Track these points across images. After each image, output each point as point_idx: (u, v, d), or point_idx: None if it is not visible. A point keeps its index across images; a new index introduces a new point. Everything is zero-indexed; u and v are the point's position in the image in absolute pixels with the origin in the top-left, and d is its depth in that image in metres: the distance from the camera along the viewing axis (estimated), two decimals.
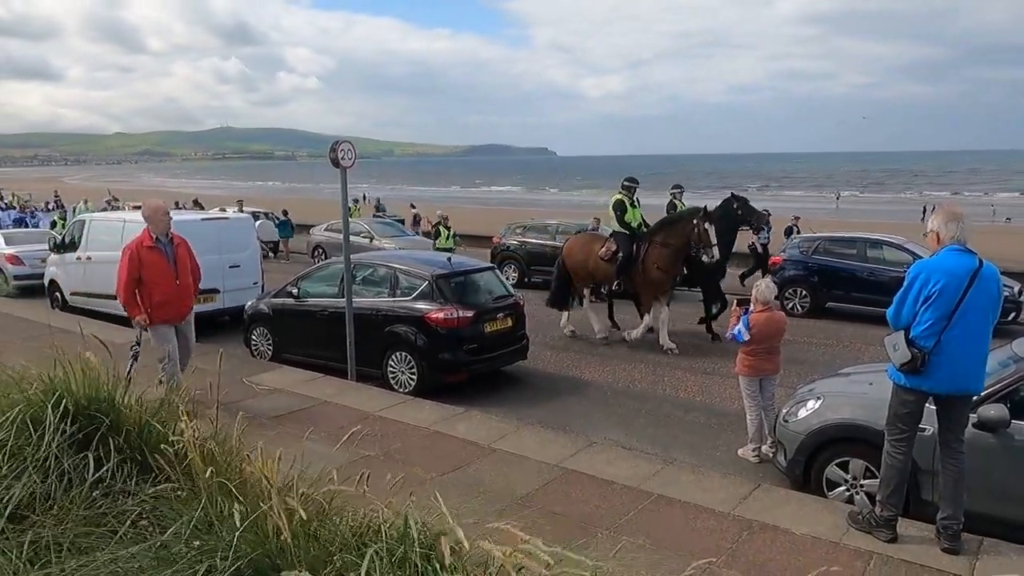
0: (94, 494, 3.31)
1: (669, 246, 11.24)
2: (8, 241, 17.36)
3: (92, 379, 3.94)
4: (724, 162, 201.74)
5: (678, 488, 5.28)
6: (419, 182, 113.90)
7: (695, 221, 11.08)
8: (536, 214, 29.19)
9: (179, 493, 3.22)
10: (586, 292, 12.29)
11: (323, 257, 19.71)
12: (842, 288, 14.07)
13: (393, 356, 9.00)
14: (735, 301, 7.47)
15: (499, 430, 6.61)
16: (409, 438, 6.41)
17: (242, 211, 22.14)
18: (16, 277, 16.33)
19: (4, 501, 3.12)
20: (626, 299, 12.33)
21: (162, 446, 3.48)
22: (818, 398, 6.13)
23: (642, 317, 11.78)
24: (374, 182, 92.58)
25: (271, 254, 22.13)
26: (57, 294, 13.75)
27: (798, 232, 17.13)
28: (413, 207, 29.68)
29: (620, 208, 11.63)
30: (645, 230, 11.69)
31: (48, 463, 3.38)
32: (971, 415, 4.91)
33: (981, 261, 4.33)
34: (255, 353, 10.47)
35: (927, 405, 4.58)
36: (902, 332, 4.40)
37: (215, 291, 11.68)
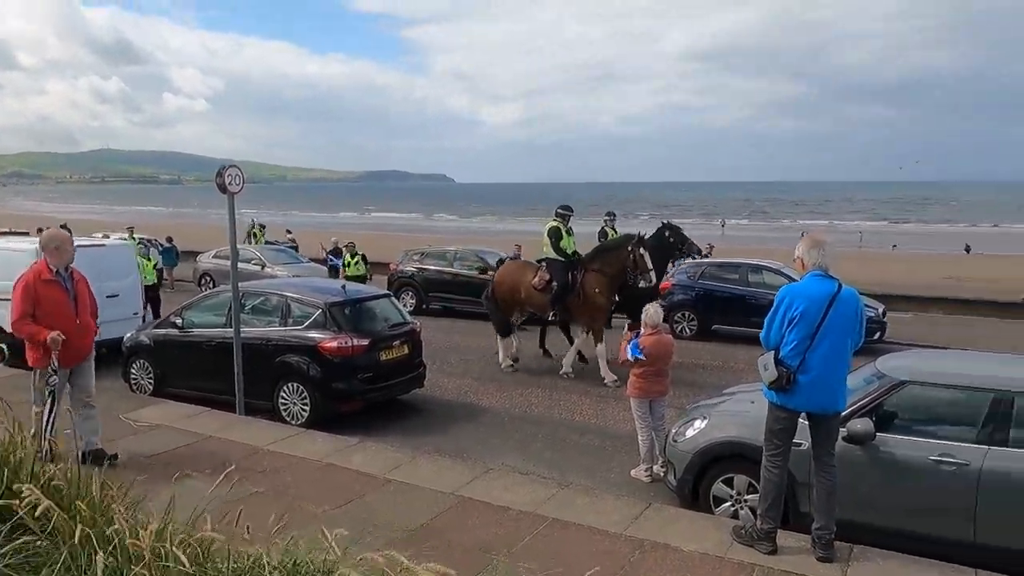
0: None
1: (606, 273, 11.19)
2: None
3: None
4: (617, 190, 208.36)
5: (573, 511, 5.36)
6: (313, 207, 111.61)
7: (631, 248, 11.11)
8: (434, 240, 29.16)
9: (39, 546, 2.97)
10: (515, 323, 12.15)
11: (211, 285, 18.94)
12: (726, 311, 14.76)
13: (285, 387, 8.72)
14: (625, 325, 7.71)
15: (394, 460, 6.51)
16: (301, 472, 6.22)
17: (133, 238, 21.03)
18: None
19: None
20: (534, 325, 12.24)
21: (21, 496, 3.20)
22: (704, 418, 6.38)
23: (571, 344, 11.75)
24: (264, 208, 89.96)
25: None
26: None
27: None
28: (288, 232, 29.04)
29: (555, 235, 11.51)
30: (579, 258, 11.60)
31: None
32: (842, 429, 5.26)
33: (840, 286, 4.67)
34: (134, 388, 9.89)
35: (802, 421, 4.86)
36: (772, 352, 4.69)
37: None
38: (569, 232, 11.75)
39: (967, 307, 19.59)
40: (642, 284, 11.16)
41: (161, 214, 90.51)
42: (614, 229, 14.32)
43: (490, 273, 16.84)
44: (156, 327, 10.09)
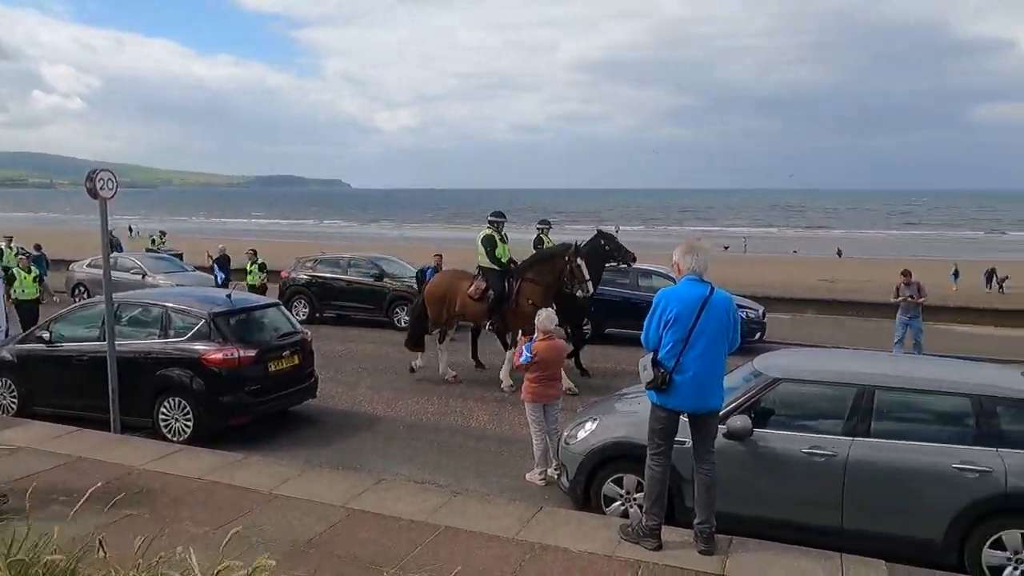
0: None
1: (541, 282, 10.94)
2: None
3: None
4: (515, 197, 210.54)
5: (465, 518, 5.34)
6: (200, 213, 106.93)
7: (567, 257, 10.92)
8: (328, 247, 28.54)
9: None
10: (449, 332, 11.83)
11: (85, 296, 17.77)
12: (618, 315, 15.13)
13: (166, 402, 8.29)
14: (520, 332, 7.78)
15: (282, 474, 6.30)
16: (180, 491, 5.91)
17: (11, 248, 19.48)
18: None
19: None
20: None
21: None
22: (594, 419, 6.52)
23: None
24: (144, 214, 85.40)
25: None
26: None
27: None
28: (162, 234, 27.81)
29: (490, 243, 11.22)
30: (514, 266, 11.36)
31: None
32: (722, 426, 5.51)
33: (712, 289, 4.89)
34: None
35: (684, 419, 5.05)
36: (651, 354, 4.86)
37: None
38: (504, 240, 11.51)
39: (839, 307, 20.93)
40: (579, 294, 11.05)
41: (30, 219, 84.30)
42: (549, 237, 13.96)
43: (386, 280, 16.69)
44: (20, 342, 9.37)
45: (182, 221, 76.44)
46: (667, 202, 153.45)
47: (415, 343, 11.79)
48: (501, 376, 11.03)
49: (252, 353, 8.41)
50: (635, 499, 5.96)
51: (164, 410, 8.28)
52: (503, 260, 11.28)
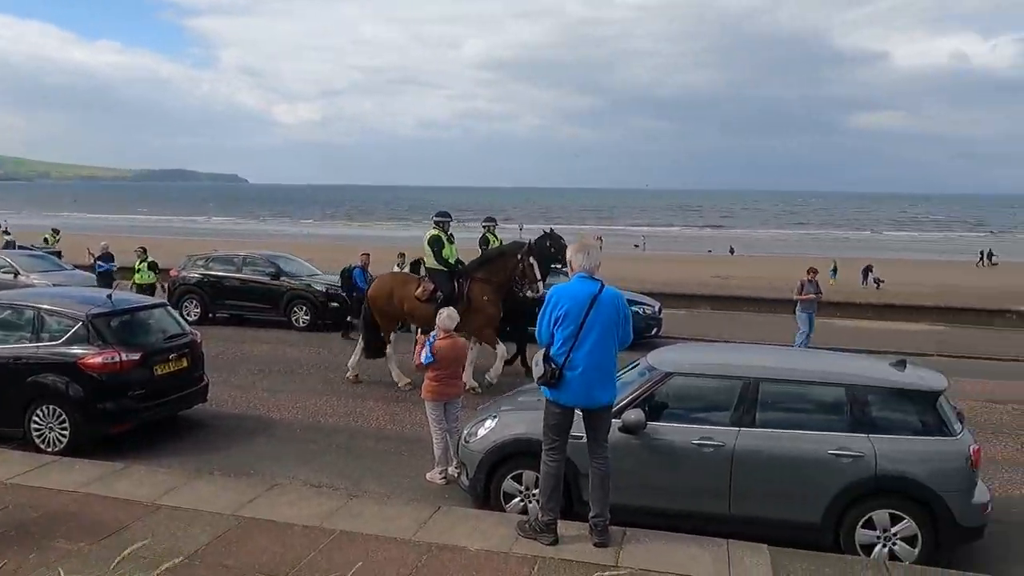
0: None
1: (492, 281, 10.68)
2: None
3: None
4: (421, 194, 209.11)
5: (361, 521, 5.24)
6: (80, 208, 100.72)
7: (520, 256, 10.72)
8: (222, 244, 27.43)
9: None
10: (392, 337, 11.34)
11: None
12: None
13: (39, 411, 7.72)
14: (419, 330, 7.71)
15: (167, 483, 5.99)
16: (53, 505, 5.52)
17: None
18: None
19: None
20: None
21: None
22: (494, 417, 6.53)
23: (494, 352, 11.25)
24: (18, 209, 79.68)
25: None
26: None
27: None
28: (7, 233, 25.99)
29: (437, 244, 10.82)
30: (462, 266, 11.03)
31: None
32: (617, 421, 5.63)
33: (602, 287, 4.99)
34: None
35: (580, 414, 5.12)
36: (544, 350, 4.93)
37: None
38: (451, 240, 11.15)
39: (731, 303, 21.88)
40: (529, 294, 10.87)
41: None
42: (495, 235, 13.47)
43: (284, 279, 16.19)
44: None
45: (55, 217, 71.46)
46: (571, 201, 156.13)
47: (375, 354, 11.24)
48: (464, 378, 10.73)
49: (136, 356, 7.95)
50: (534, 495, 6.00)
51: (37, 419, 7.72)
52: (451, 261, 10.93)
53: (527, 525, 5.13)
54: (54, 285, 14.86)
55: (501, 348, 10.98)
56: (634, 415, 5.73)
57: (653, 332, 14.72)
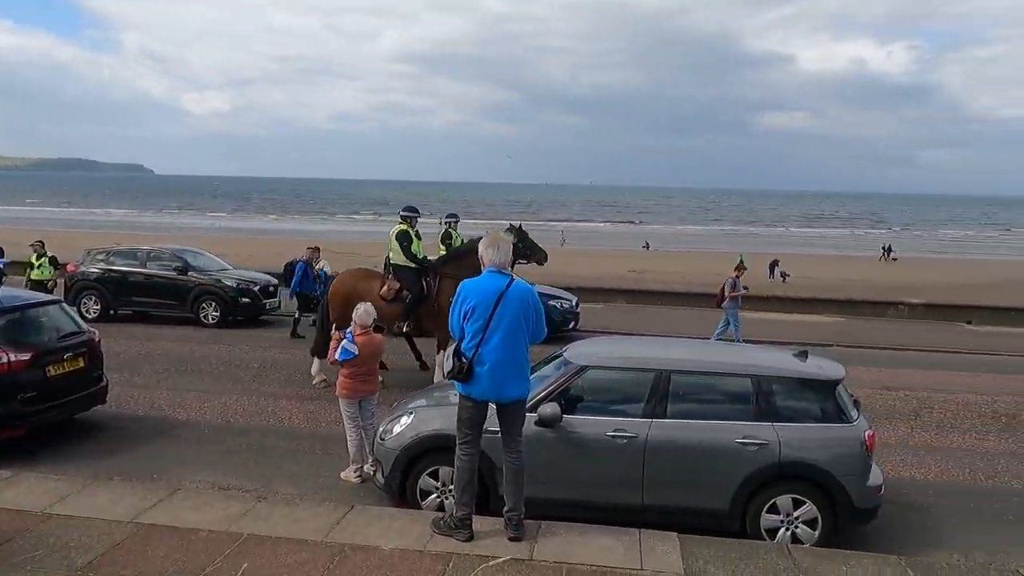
0: None
1: (461, 279, 10.28)
2: None
3: None
4: (336, 187, 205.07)
5: (270, 524, 5.08)
6: None
7: None
8: (125, 238, 26.18)
9: None
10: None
11: None
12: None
13: None
14: (334, 326, 7.54)
15: (59, 491, 5.63)
16: None
17: None
18: None
19: None
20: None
21: None
22: (410, 413, 6.45)
23: (418, 358, 11.19)
24: None
25: None
26: None
27: None
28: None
29: (405, 239, 10.39)
30: (429, 263, 10.61)
31: None
32: (533, 414, 5.66)
33: (511, 281, 4.99)
34: None
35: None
36: (455, 345, 4.90)
37: None
38: (418, 236, 10.74)
39: (646, 297, 22.38)
40: None
41: None
42: (457, 231, 13.20)
43: (191, 274, 15.56)
44: None
45: None
46: (492, 196, 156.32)
47: (323, 352, 10.52)
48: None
49: (25, 357, 7.46)
50: (450, 491, 5.96)
51: None
52: (419, 257, 10.50)
53: (442, 522, 5.08)
54: None
55: (441, 356, 10.55)
56: (550, 409, 5.77)
57: (571, 326, 14.90)
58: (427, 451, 6.07)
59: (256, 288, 15.79)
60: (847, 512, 5.63)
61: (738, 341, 14.03)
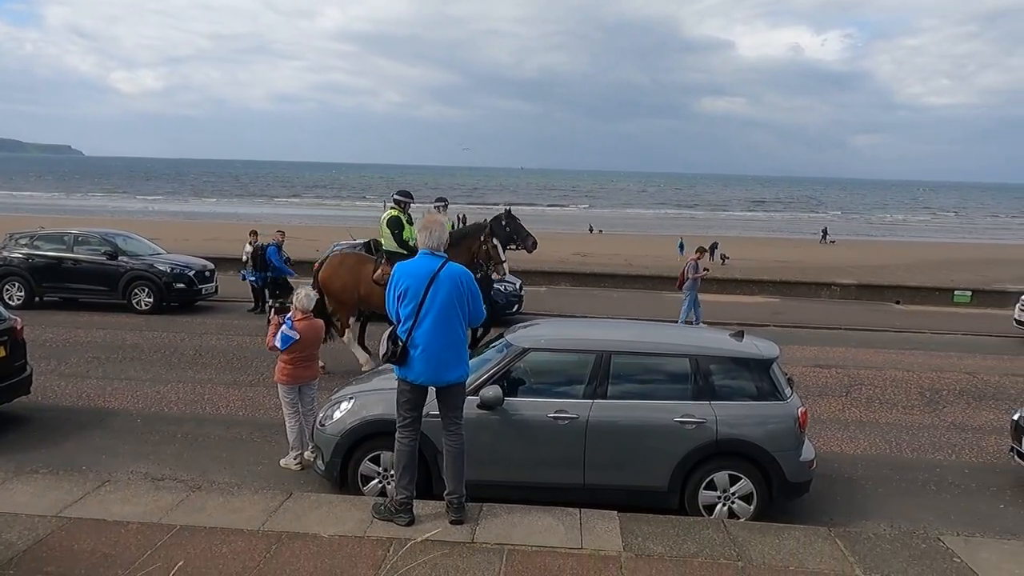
0: None
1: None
2: None
3: None
4: (273, 168, 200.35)
5: (204, 515, 4.94)
6: None
7: (483, 238, 10.36)
8: (51, 222, 25.09)
9: None
10: (351, 321, 10.63)
11: None
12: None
13: None
14: (272, 310, 7.37)
15: None
16: None
17: None
18: None
19: None
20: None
21: None
22: (351, 398, 6.34)
23: None
24: None
25: None
26: None
27: None
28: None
29: (396, 225, 10.26)
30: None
31: None
32: (475, 397, 5.63)
33: (444, 263, 4.92)
34: None
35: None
36: (391, 328, 4.84)
37: None
38: (410, 221, 10.56)
39: (590, 279, 22.56)
40: (495, 276, 10.45)
41: None
42: (445, 216, 12.79)
43: (122, 259, 15.01)
44: None
45: None
46: (438, 180, 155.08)
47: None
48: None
49: None
50: (392, 475, 5.91)
51: None
52: (410, 243, 10.27)
53: (383, 507, 5.03)
54: None
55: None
56: (491, 391, 5.76)
57: (515, 309, 14.91)
58: (368, 436, 5.99)
59: (191, 273, 15.35)
60: (781, 487, 5.78)
61: (698, 322, 14.25)
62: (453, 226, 12.28)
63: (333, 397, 6.74)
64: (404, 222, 10.50)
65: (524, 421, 5.83)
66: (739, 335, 6.50)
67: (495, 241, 10.53)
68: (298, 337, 6.76)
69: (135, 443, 7.52)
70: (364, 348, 10.87)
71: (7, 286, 14.87)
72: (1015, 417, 7.13)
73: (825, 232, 46.89)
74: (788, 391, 6.11)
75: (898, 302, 20.80)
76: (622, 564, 4.59)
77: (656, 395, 5.97)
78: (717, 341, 6.46)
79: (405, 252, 10.17)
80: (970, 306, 20.53)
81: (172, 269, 15.11)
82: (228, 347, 11.72)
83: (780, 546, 4.95)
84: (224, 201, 79.70)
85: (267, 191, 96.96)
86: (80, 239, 15.50)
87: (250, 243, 15.79)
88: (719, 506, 5.81)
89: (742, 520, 5.65)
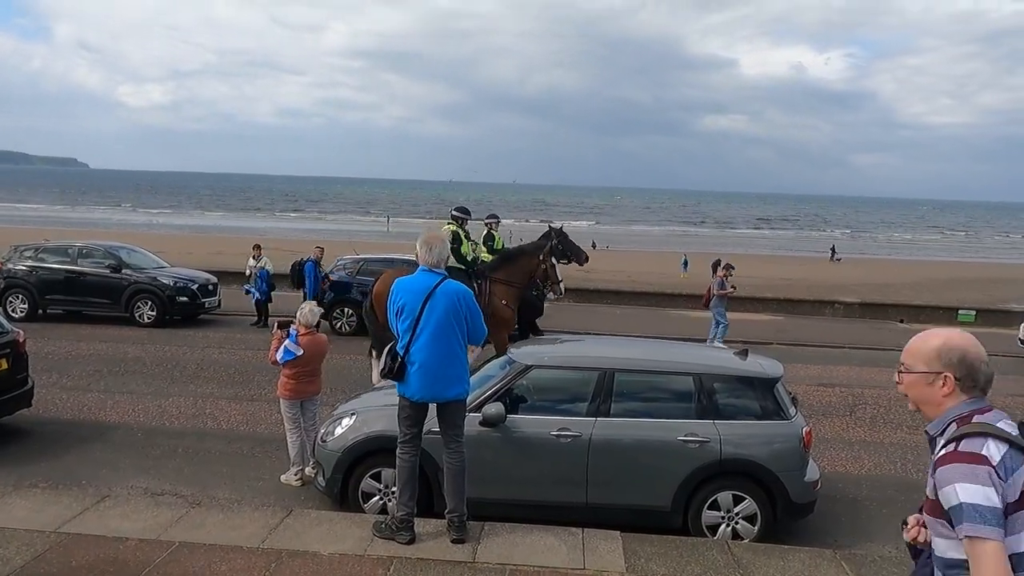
0: None
1: (514, 284, 10.04)
2: None
3: None
4: (283, 184, 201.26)
5: (204, 531, 4.90)
6: None
7: (541, 257, 10.23)
8: (56, 234, 25.18)
9: None
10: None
11: None
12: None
13: None
14: (275, 324, 7.34)
15: None
16: None
17: None
18: None
19: None
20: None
21: None
22: (352, 414, 6.32)
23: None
24: None
25: None
26: None
27: None
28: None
29: (455, 240, 10.07)
30: (480, 266, 10.34)
31: None
32: (478, 415, 5.60)
33: (442, 280, 4.90)
34: None
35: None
36: (392, 344, 4.83)
37: None
38: (467, 236, 10.54)
39: (594, 296, 22.53)
40: (551, 296, 10.28)
41: None
42: (498, 233, 12.61)
43: (126, 272, 15.04)
44: None
45: None
46: (441, 195, 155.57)
47: (380, 349, 10.39)
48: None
49: None
50: (393, 493, 5.86)
51: None
52: (469, 259, 10.26)
53: (383, 525, 4.98)
54: None
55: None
56: (494, 408, 5.73)
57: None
58: (369, 453, 5.96)
59: (194, 286, 15.37)
60: (786, 507, 5.73)
61: (719, 340, 14.15)
62: (502, 243, 12.31)
63: (335, 413, 6.72)
64: (462, 237, 10.45)
65: (526, 439, 5.79)
66: (743, 353, 6.47)
67: (553, 260, 10.43)
68: (300, 352, 6.74)
69: (136, 457, 7.49)
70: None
71: (10, 298, 14.91)
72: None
73: (834, 249, 47.14)
74: (792, 410, 6.07)
75: (902, 320, 20.73)
76: None
77: (660, 413, 5.93)
78: (721, 359, 6.43)
79: (463, 268, 10.17)
80: (974, 325, 20.44)
81: (175, 282, 15.15)
82: (230, 361, 11.70)
83: (785, 568, 4.89)
84: (229, 215, 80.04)
85: (272, 205, 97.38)
86: (84, 252, 15.55)
87: (253, 257, 15.83)
88: (723, 527, 5.75)
89: (746, 541, 5.59)
